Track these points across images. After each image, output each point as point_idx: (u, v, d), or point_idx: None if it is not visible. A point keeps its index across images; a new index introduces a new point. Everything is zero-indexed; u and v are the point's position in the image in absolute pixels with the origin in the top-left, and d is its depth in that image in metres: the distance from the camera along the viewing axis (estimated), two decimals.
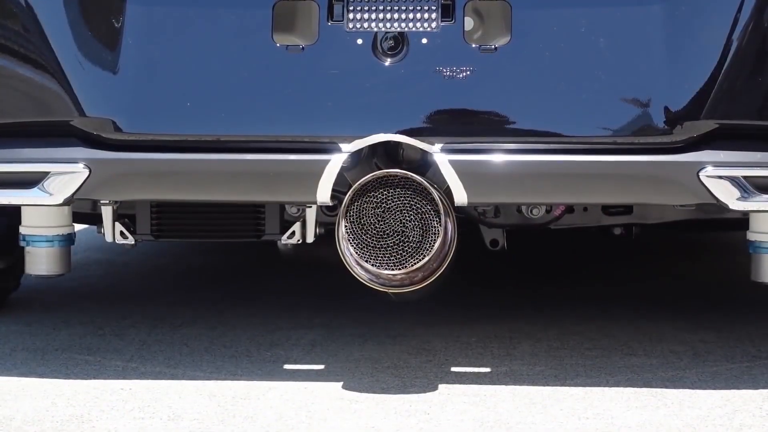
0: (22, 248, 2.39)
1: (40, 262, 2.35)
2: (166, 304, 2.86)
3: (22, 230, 2.36)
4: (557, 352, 2.37)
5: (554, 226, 2.53)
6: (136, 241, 2.32)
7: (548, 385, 2.11)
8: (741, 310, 2.83)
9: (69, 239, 2.38)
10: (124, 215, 2.34)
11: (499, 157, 2.10)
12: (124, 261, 3.50)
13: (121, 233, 2.30)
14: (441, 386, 2.09)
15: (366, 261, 2.06)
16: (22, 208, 2.33)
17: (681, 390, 2.07)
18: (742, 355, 2.35)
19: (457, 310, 2.81)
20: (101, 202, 2.25)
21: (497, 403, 1.99)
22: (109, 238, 2.32)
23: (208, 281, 3.17)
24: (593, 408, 1.96)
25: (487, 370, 2.22)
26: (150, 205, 2.31)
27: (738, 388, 2.09)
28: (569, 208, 2.49)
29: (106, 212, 2.30)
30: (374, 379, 2.15)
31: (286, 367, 2.24)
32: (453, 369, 2.22)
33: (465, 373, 2.19)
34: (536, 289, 3.10)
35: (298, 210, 2.34)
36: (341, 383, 2.12)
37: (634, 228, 2.67)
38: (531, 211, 2.44)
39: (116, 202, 2.27)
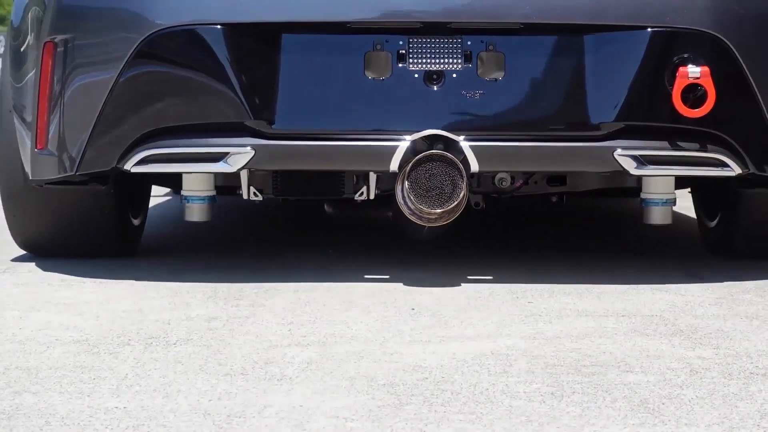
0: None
1: (195, 213, 3.67)
2: (161, 322, 2.85)
3: (184, 192, 3.66)
4: (554, 369, 2.36)
5: (516, 193, 3.91)
6: (263, 197, 3.63)
7: (545, 402, 2.10)
8: (738, 326, 2.83)
9: (213, 199, 3.70)
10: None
11: (497, 143, 3.40)
12: (118, 278, 3.49)
13: (254, 193, 3.59)
14: (437, 404, 2.09)
15: (420, 204, 3.28)
16: (183, 176, 3.63)
17: (678, 408, 2.07)
18: (739, 372, 2.34)
19: (454, 327, 2.80)
20: (240, 169, 3.39)
21: (493, 420, 1.99)
22: (245, 196, 3.59)
23: (203, 298, 3.16)
24: (590, 425, 1.95)
25: (484, 387, 2.21)
26: (273, 174, 3.59)
27: (736, 406, 2.09)
28: (525, 181, 3.81)
29: (244, 178, 3.56)
30: (370, 396, 2.14)
31: (282, 385, 2.23)
32: (449, 387, 2.22)
33: (460, 390, 2.19)
34: (536, 304, 3.10)
35: (358, 180, 3.61)
36: (337, 401, 2.11)
37: (565, 196, 4.16)
38: (501, 183, 3.69)
39: (251, 170, 3.49)
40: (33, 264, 3.77)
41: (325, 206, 4.21)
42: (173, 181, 4.05)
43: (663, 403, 2.10)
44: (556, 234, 4.65)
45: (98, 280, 3.45)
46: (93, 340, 2.65)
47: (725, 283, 3.45)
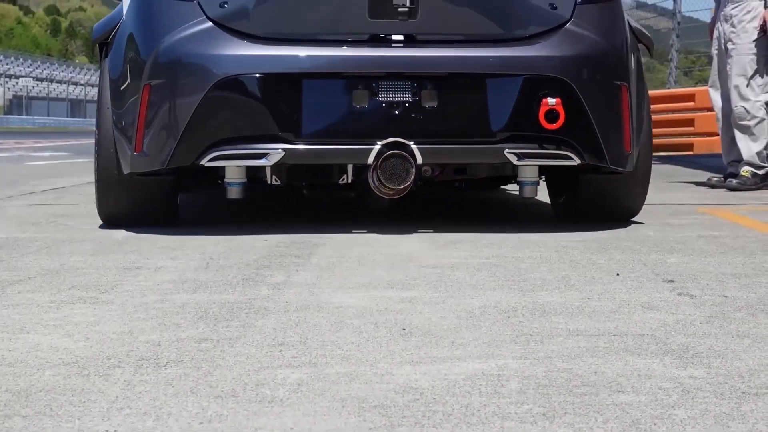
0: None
1: (234, 193, 5.34)
2: (151, 343, 2.84)
3: (227, 180, 5.34)
4: (546, 389, 2.36)
5: (437, 180, 5.77)
6: (281, 183, 5.55)
7: (536, 423, 2.10)
8: (730, 345, 2.83)
9: (245, 184, 5.35)
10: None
11: (433, 146, 5.18)
12: (108, 299, 3.49)
13: (273, 179, 5.47)
14: (428, 426, 2.08)
15: (386, 183, 5.08)
16: (227, 168, 5.31)
17: (670, 428, 2.06)
18: (731, 391, 2.34)
19: (444, 348, 2.80)
20: (276, 164, 5.17)
21: None
22: (269, 182, 5.49)
23: (194, 319, 3.15)
24: None
25: (475, 408, 2.20)
26: (287, 167, 5.42)
27: (728, 426, 2.08)
28: (440, 172, 5.70)
29: (269, 170, 5.42)
30: (361, 419, 2.13)
31: (273, 407, 2.22)
32: (440, 408, 2.21)
33: (452, 411, 2.18)
34: (527, 323, 3.09)
35: (341, 172, 5.51)
36: (328, 423, 2.10)
37: (464, 183, 6.33)
38: (425, 173, 5.58)
39: (278, 164, 5.19)
40: (22, 285, 3.76)
41: (304, 191, 6.13)
42: (200, 181, 6.18)
43: (655, 424, 2.09)
44: (548, 252, 4.65)
45: (88, 302, 3.44)
46: (83, 362, 2.63)
47: (717, 301, 3.46)
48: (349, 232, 5.40)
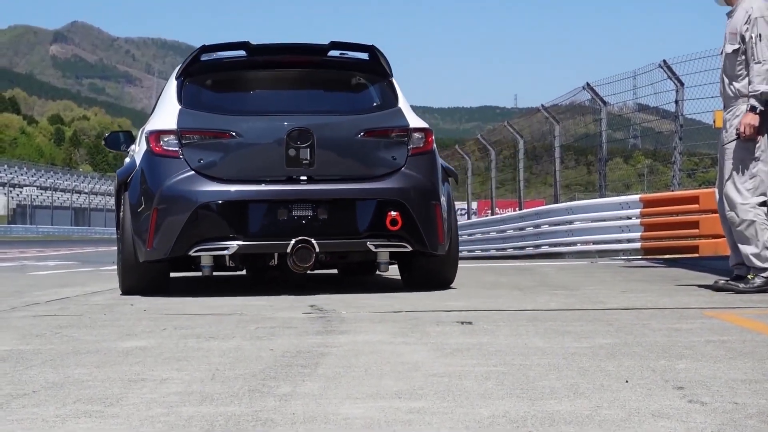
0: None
1: (206, 272, 8.82)
2: None
3: (202, 264, 8.78)
4: None
5: (328, 262, 9.48)
6: (234, 266, 9.38)
7: None
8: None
9: (212, 267, 8.91)
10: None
11: (324, 241, 8.54)
12: (114, 412, 3.45)
13: (230, 263, 9.08)
14: None
15: (297, 263, 8.42)
16: (202, 256, 8.77)
17: None
18: None
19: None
20: (232, 254, 8.82)
21: None
22: (227, 264, 9.07)
23: None
24: None
25: None
26: (239, 256, 9.00)
27: None
28: (331, 257, 9.09)
29: (227, 258, 8.89)
30: None
31: None
32: None
33: None
34: None
35: (270, 258, 8.89)
36: None
37: (339, 265, 11.18)
38: (321, 258, 8.79)
39: (233, 255, 8.89)
40: (27, 399, 3.73)
41: (245, 272, 10.47)
42: (187, 265, 9.29)
43: None
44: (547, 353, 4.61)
45: (93, 416, 3.41)
46: None
47: (727, 408, 3.42)
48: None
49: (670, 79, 18.37)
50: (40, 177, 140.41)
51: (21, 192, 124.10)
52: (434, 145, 9.15)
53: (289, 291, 8.94)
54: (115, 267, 9.45)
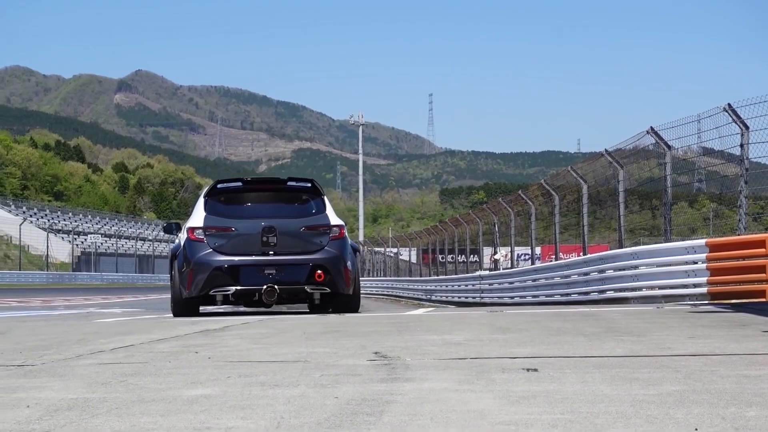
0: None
1: (219, 304, 16.59)
2: None
3: (217, 299, 16.21)
4: None
5: (286, 301, 16.35)
6: (233, 301, 16.68)
7: None
8: None
9: (222, 300, 16.52)
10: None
11: (283, 287, 15.73)
12: None
13: (231, 299, 16.31)
14: None
15: (267, 300, 15.65)
16: (216, 294, 16.57)
17: None
18: None
19: None
20: (231, 294, 16.44)
21: None
22: (230, 299, 16.22)
23: None
24: None
25: None
26: (234, 299, 16.35)
27: None
28: (288, 297, 16.07)
29: (230, 296, 16.19)
30: None
31: None
32: None
33: None
34: None
35: (252, 297, 16.20)
36: None
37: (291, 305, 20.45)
38: (282, 297, 15.87)
39: (233, 294, 16.45)
40: None
41: (236, 305, 17.42)
42: (208, 301, 16.16)
43: None
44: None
45: None
46: None
47: None
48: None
49: (735, 122, 18.23)
50: (105, 224, 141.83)
51: (86, 239, 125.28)
52: (345, 233, 16.11)
53: (352, 337, 8.90)
54: (170, 304, 16.46)
